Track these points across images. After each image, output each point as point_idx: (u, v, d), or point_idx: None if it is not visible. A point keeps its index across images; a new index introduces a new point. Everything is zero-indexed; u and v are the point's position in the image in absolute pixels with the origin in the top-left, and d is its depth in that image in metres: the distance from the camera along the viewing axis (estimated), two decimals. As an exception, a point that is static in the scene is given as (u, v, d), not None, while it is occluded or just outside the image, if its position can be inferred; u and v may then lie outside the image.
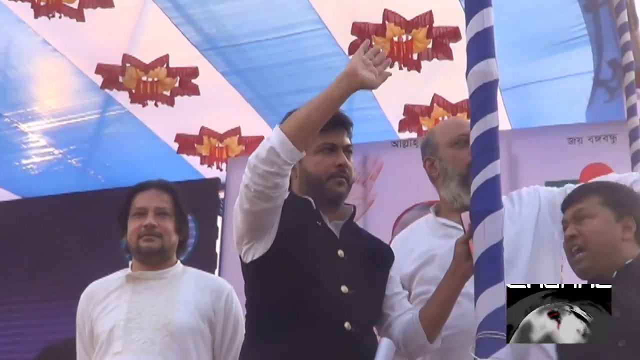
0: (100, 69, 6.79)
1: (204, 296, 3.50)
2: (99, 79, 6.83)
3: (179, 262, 3.81)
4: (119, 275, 3.79)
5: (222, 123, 7.51)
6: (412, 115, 7.08)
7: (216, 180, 7.86)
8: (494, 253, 2.62)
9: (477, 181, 2.68)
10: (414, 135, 7.22)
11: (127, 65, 6.78)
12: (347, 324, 3.00)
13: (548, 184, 6.83)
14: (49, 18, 6.08)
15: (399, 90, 6.86)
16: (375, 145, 7.32)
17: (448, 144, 3.53)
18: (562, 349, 3.02)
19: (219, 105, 7.20)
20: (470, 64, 2.76)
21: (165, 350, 3.52)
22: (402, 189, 6.99)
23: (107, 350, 3.61)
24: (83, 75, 6.84)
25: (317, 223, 3.14)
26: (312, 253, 3.07)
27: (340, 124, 3.22)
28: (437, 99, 7.00)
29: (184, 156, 7.73)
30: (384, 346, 3.03)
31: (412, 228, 3.75)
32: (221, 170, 7.71)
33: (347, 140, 3.23)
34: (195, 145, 7.59)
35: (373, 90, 6.94)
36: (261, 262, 3.06)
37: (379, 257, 3.28)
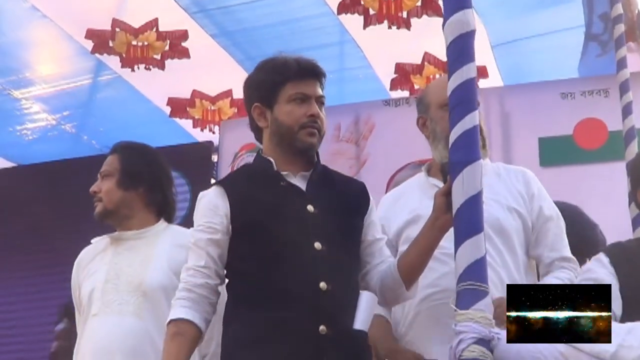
0: (90, 34, 6.78)
1: (179, 253, 3.46)
2: (89, 44, 6.82)
3: (161, 221, 3.80)
4: (105, 238, 3.80)
5: (214, 86, 7.51)
6: (403, 74, 7.07)
7: (209, 144, 7.86)
8: (473, 204, 2.61)
9: (455, 132, 2.66)
10: (405, 93, 7.21)
11: (117, 29, 6.78)
12: (322, 284, 2.95)
13: (541, 140, 6.87)
14: (37, -16, 6.07)
15: (390, 49, 6.87)
16: (367, 105, 7.32)
17: (439, 104, 3.50)
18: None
19: (210, 68, 7.19)
20: (446, 15, 2.74)
21: (139, 310, 3.53)
22: (395, 148, 6.99)
23: (87, 313, 3.63)
24: (73, 40, 6.84)
25: (281, 184, 3.10)
26: (279, 215, 3.04)
27: (313, 74, 3.17)
28: (428, 57, 6.99)
29: (177, 120, 7.73)
30: (365, 300, 3.01)
31: (405, 185, 3.74)
32: (214, 133, 7.71)
33: (320, 91, 3.17)
34: (188, 108, 7.59)
35: (364, 50, 7.00)
36: (231, 238, 3.06)
37: (353, 203, 3.21)
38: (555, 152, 6.83)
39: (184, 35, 6.82)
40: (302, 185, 3.12)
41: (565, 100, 6.99)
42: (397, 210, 3.55)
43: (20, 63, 7.08)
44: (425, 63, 6.99)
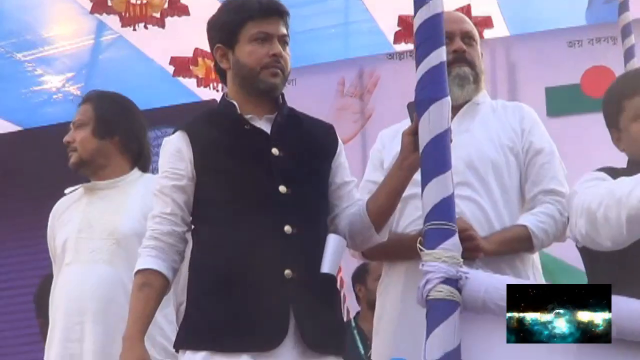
0: (89, -9, 6.70)
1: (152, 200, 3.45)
2: (88, 4, 6.74)
3: (135, 169, 3.76)
4: (79, 189, 3.76)
5: (216, 43, 7.41)
6: (406, 27, 6.94)
7: (213, 102, 7.77)
8: (440, 142, 2.56)
9: (421, 69, 2.60)
10: (410, 46, 7.10)
11: (117, -14, 6.69)
12: (287, 227, 2.92)
13: (548, 89, 6.78)
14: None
15: (393, 2, 6.76)
16: (370, 59, 7.26)
17: None
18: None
19: (211, 25, 7.09)
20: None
21: (112, 258, 3.52)
22: (400, 101, 6.83)
23: (61, 262, 3.61)
24: (73, 0, 6.75)
25: (245, 127, 3.05)
26: (242, 159, 3.00)
27: (275, 12, 3.10)
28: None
29: (180, 79, 7.65)
30: (332, 242, 2.95)
31: (405, 123, 3.67)
32: (218, 91, 7.63)
33: (283, 30, 3.10)
34: (191, 67, 7.51)
35: (366, 3, 6.90)
36: (196, 183, 3.03)
37: (321, 145, 3.16)
38: (563, 102, 6.75)
39: (183, -9, 6.73)
40: (266, 128, 3.07)
41: (572, 49, 6.92)
42: (395, 145, 3.48)
43: (20, 25, 7.02)
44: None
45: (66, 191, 3.79)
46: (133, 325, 2.95)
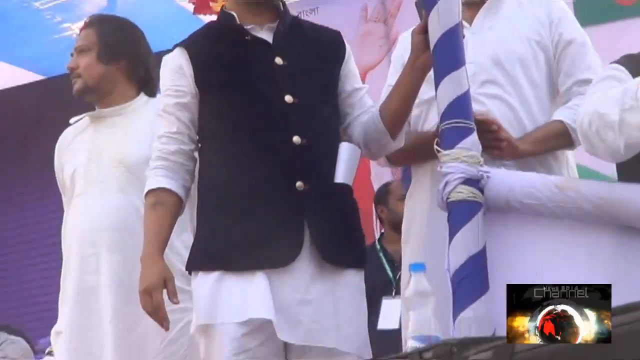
0: None
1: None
2: (100, -55, 6.66)
3: (142, 94, 3.65)
4: (84, 118, 3.67)
5: (235, -23, 7.31)
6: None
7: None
8: (451, 37, 2.45)
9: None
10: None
11: None
12: (295, 138, 2.80)
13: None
14: None
15: None
16: (394, -18, 7.10)
17: None
18: None
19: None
20: None
21: (124, 186, 3.40)
22: (424, 23, 6.76)
23: (71, 194, 3.52)
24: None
25: (246, 38, 2.91)
26: (245, 71, 2.88)
27: None
28: None
29: (201, 17, 7.53)
30: (345, 151, 2.82)
31: None
32: (239, 26, 7.52)
33: None
34: (211, 3, 7.39)
35: None
36: (199, 100, 2.93)
37: (327, 52, 3.01)
38: (591, 11, 6.55)
39: None
40: (268, 37, 2.94)
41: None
42: None
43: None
44: None
45: (71, 121, 3.68)
46: (149, 244, 2.86)
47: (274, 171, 2.79)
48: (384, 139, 2.91)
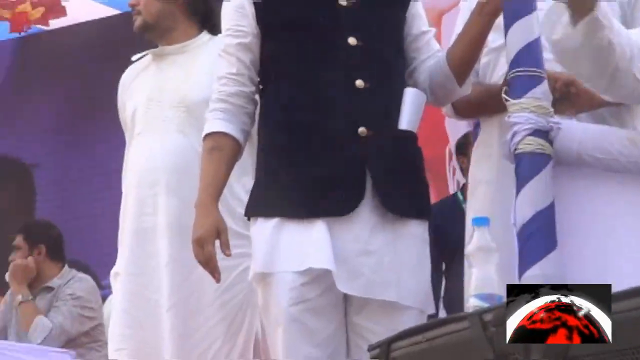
0: None
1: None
2: None
3: (204, 32, 3.57)
4: (147, 55, 3.61)
5: None
6: None
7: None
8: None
9: None
10: None
11: None
12: (359, 82, 2.70)
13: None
14: None
15: None
16: None
17: None
18: None
19: None
20: None
21: (183, 127, 3.35)
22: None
23: (132, 133, 3.48)
24: None
25: None
26: (307, 11, 2.78)
27: None
28: None
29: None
30: (410, 96, 2.72)
31: None
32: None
33: None
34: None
35: None
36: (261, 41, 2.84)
37: None
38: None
39: None
40: None
41: None
42: None
43: None
44: None
45: (133, 58, 3.62)
46: (204, 191, 2.80)
47: (336, 115, 2.71)
48: (451, 84, 2.79)
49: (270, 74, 2.85)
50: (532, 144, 2.25)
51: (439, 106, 3.07)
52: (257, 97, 2.87)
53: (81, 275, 5.49)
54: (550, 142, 2.26)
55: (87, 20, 8.30)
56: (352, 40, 2.74)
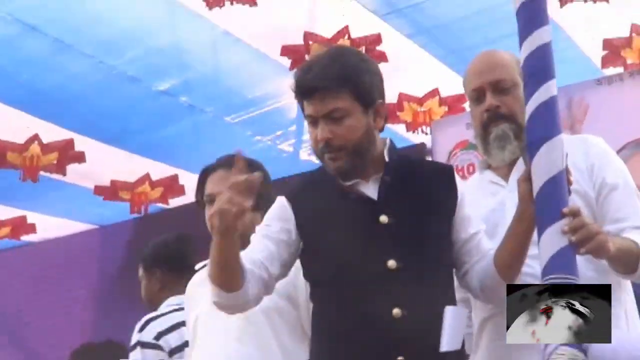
0: (286, 50, 6.73)
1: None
2: (286, 61, 6.78)
3: None
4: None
5: (419, 86, 7.30)
6: (612, 49, 6.58)
7: (422, 145, 7.63)
8: (554, 186, 2.32)
9: (529, 107, 2.37)
10: (619, 69, 6.71)
11: (310, 42, 6.70)
12: (396, 310, 2.60)
13: None
14: (220, 8, 6.09)
15: (594, 25, 6.45)
16: (578, 86, 6.87)
17: (469, 98, 3.09)
18: None
19: (412, 69, 6.99)
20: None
21: (241, 335, 3.29)
22: (613, 128, 6.50)
23: (194, 341, 3.50)
24: (270, 59, 6.81)
25: (350, 196, 2.76)
26: (346, 231, 2.71)
27: (306, 92, 2.74)
28: (635, 28, 6.48)
29: (388, 125, 7.55)
30: (450, 316, 2.62)
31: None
32: (427, 134, 7.49)
33: (326, 107, 2.69)
34: (397, 113, 7.42)
35: (567, 30, 6.58)
36: (301, 252, 2.82)
37: (438, 204, 2.79)
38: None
39: (377, 39, 6.65)
40: (374, 191, 2.77)
41: None
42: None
43: (224, 88, 7.14)
44: (633, 35, 6.49)
45: (197, 266, 3.67)
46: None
47: (371, 344, 2.63)
48: (501, 288, 2.64)
49: (311, 289, 2.86)
50: (565, 355, 2.22)
51: (485, 302, 2.98)
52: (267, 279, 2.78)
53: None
54: (584, 352, 2.21)
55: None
56: (391, 263, 2.66)
